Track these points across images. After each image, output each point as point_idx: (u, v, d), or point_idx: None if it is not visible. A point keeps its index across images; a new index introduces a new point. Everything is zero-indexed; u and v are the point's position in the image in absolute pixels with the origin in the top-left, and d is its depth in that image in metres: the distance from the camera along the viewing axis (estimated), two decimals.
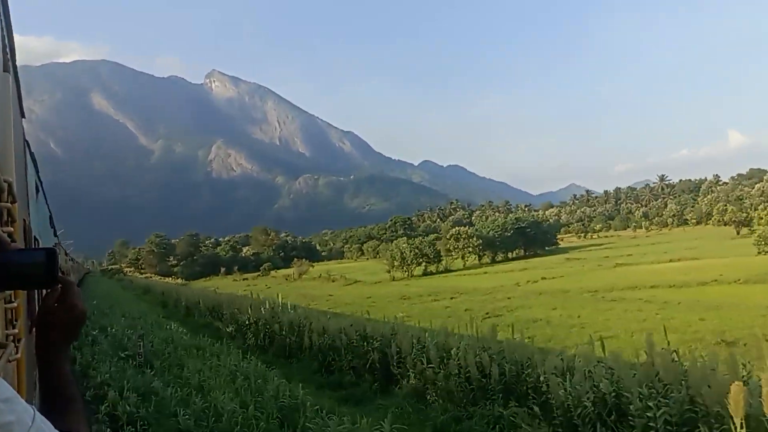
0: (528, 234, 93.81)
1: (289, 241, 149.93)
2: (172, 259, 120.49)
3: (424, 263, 72.02)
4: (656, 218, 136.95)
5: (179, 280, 77.21)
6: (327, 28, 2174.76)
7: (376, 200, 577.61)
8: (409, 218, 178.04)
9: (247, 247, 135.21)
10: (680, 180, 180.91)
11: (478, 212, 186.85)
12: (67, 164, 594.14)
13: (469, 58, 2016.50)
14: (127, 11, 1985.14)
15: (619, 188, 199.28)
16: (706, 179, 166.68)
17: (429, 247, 75.52)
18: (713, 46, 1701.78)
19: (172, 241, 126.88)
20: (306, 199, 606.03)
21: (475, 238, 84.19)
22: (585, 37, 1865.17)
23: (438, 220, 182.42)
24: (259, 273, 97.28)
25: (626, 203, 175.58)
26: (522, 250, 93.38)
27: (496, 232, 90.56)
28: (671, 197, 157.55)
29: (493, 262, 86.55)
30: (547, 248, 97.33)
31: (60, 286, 1.36)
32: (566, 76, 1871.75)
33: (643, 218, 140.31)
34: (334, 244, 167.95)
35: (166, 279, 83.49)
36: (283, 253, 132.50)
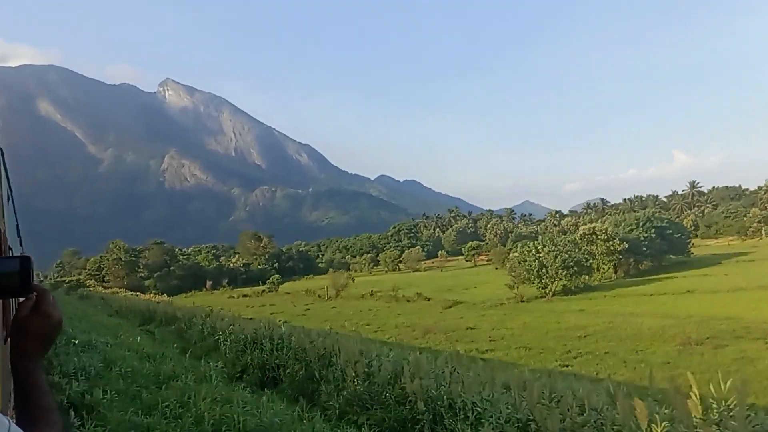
0: (669, 238, 72.27)
1: (284, 250, 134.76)
2: (142, 269, 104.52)
3: (567, 276, 49.84)
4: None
5: (157, 296, 67.41)
6: (282, 40, 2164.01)
7: (335, 213, 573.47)
8: (415, 225, 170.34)
9: (235, 257, 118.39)
10: (714, 187, 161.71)
11: (481, 221, 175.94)
12: (8, 171, 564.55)
13: (422, 76, 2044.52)
14: (80, 17, 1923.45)
15: (641, 196, 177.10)
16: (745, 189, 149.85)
17: (575, 254, 52.00)
18: (659, 72, 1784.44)
19: (138, 248, 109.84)
20: (263, 211, 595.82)
21: (617, 241, 61.49)
22: (534, 59, 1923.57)
23: (436, 229, 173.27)
24: (264, 288, 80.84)
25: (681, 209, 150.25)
26: (650, 260, 69.48)
27: (641, 233, 68.64)
28: (709, 204, 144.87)
29: (639, 274, 63.59)
30: (683, 256, 75.47)
31: (35, 294, 1.34)
32: (518, 96, 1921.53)
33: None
34: (324, 254, 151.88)
35: (141, 294, 73.40)
36: (277, 264, 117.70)
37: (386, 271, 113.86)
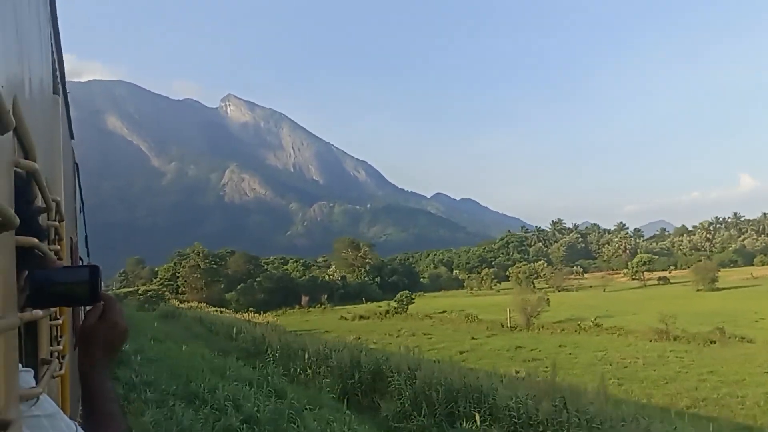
0: None
1: (386, 262, 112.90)
2: (222, 280, 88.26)
3: None
4: None
5: (246, 314, 53.20)
6: (338, 60, 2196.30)
7: (393, 230, 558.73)
8: (525, 236, 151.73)
9: (331, 268, 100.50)
10: None
11: (591, 236, 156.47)
12: (81, 184, 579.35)
13: (474, 93, 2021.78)
14: (148, 34, 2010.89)
15: None
16: None
17: None
18: (723, 92, 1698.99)
19: (220, 252, 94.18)
20: (320, 226, 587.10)
21: None
22: (591, 77, 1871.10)
23: (538, 243, 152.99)
24: (386, 307, 60.57)
25: None
26: None
27: None
28: None
29: None
30: None
31: (102, 303, 1.37)
32: (575, 114, 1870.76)
33: None
34: (430, 269, 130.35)
35: (225, 311, 57.26)
36: (379, 278, 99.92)
37: (497, 291, 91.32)
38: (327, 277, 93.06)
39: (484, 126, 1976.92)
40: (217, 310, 54.65)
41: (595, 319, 40.65)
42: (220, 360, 16.47)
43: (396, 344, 29.75)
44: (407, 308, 58.73)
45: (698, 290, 66.79)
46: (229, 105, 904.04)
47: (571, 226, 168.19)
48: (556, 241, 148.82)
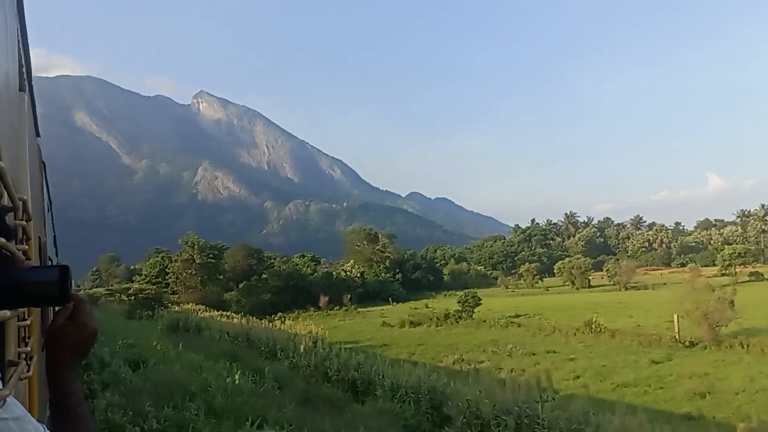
0: None
1: (406, 257, 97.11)
2: (221, 277, 76.15)
3: None
4: None
5: (246, 318, 41.88)
6: (313, 58, 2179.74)
7: (371, 228, 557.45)
8: (549, 228, 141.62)
9: (348, 263, 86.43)
10: None
11: (609, 230, 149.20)
12: (48, 183, 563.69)
13: (449, 96, 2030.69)
14: (120, 29, 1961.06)
15: None
16: None
17: None
18: (691, 94, 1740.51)
19: (219, 244, 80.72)
20: (296, 224, 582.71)
21: None
22: (564, 78, 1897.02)
23: (555, 237, 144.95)
24: (445, 311, 49.00)
25: None
26: None
27: None
28: None
29: None
30: None
31: (72, 303, 1.34)
32: (547, 115, 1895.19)
33: None
34: (443, 262, 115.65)
35: (234, 316, 46.78)
36: (400, 274, 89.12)
37: (576, 288, 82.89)
38: (344, 274, 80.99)
39: (458, 126, 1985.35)
40: (223, 315, 46.35)
41: None
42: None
43: (516, 369, 24.07)
44: (472, 313, 47.88)
45: None
46: (202, 102, 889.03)
47: (585, 220, 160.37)
48: (570, 235, 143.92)
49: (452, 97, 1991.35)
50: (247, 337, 23.69)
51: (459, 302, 50.01)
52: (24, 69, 3.66)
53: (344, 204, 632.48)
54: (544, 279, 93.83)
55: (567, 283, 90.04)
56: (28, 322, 2.78)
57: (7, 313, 1.33)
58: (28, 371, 2.60)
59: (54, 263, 6.80)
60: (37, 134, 5.67)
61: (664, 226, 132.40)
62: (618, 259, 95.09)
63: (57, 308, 1.36)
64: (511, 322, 43.42)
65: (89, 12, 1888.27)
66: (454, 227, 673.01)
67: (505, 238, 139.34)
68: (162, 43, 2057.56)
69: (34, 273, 1.32)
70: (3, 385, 1.13)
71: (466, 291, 53.38)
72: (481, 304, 49.57)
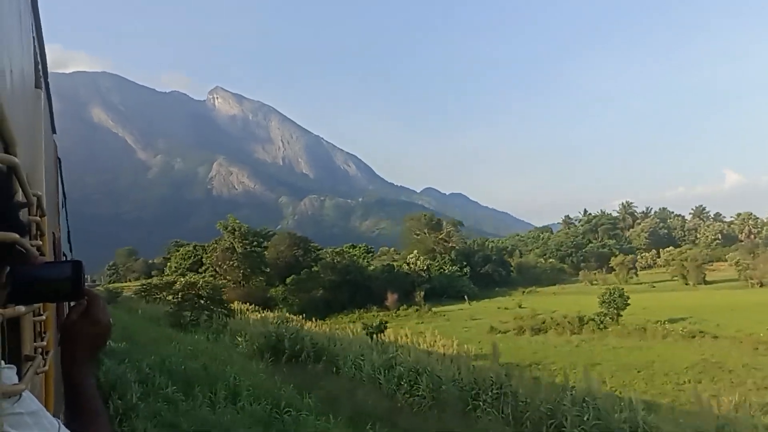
0: None
1: (476, 248, 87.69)
2: (265, 269, 65.88)
3: None
4: None
5: (302, 318, 37.05)
6: (328, 54, 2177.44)
7: (386, 224, 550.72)
8: (616, 219, 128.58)
9: (412, 254, 74.64)
10: None
11: (672, 221, 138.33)
12: (63, 178, 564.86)
13: (461, 92, 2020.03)
14: (137, 25, 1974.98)
15: None
16: None
17: None
18: (708, 88, 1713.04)
19: (264, 230, 73.39)
20: (311, 220, 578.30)
21: None
22: (580, 73, 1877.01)
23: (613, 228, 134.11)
24: (596, 315, 40.07)
25: None
26: None
27: None
28: None
29: None
30: None
31: (86, 299, 1.34)
32: (563, 110, 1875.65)
33: None
34: (513, 255, 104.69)
35: (295, 317, 39.72)
36: (468, 267, 78.84)
37: (691, 284, 72.47)
38: (406, 267, 70.59)
39: (472, 121, 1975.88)
40: (268, 315, 38.29)
41: None
42: None
43: None
44: (620, 314, 39.78)
45: None
46: (217, 97, 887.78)
47: (643, 210, 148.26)
48: (629, 227, 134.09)
49: (467, 94, 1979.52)
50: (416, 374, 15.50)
51: (603, 302, 40.85)
52: (39, 66, 3.64)
53: (359, 199, 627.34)
54: (638, 273, 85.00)
55: (675, 278, 79.83)
56: (44, 317, 2.77)
57: (22, 308, 1.35)
58: (44, 366, 2.58)
59: (68, 259, 6.76)
60: (53, 130, 5.92)
61: (751, 214, 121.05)
62: (753, 251, 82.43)
63: (72, 304, 1.36)
64: (681, 331, 33.80)
65: (105, 7, 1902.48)
66: (471, 223, 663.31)
67: (552, 231, 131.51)
68: (177, 39, 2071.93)
69: (47, 269, 1.32)
70: (19, 380, 1.15)
71: (611, 288, 43.64)
72: (628, 305, 40.42)
